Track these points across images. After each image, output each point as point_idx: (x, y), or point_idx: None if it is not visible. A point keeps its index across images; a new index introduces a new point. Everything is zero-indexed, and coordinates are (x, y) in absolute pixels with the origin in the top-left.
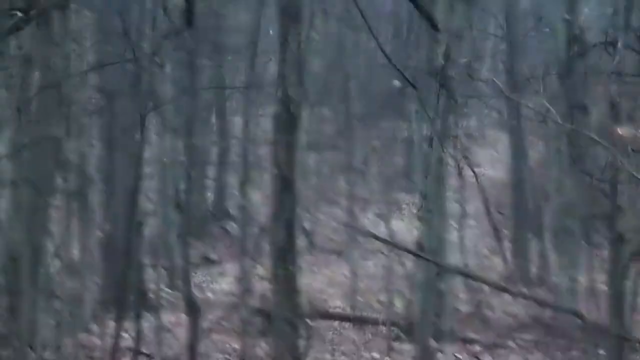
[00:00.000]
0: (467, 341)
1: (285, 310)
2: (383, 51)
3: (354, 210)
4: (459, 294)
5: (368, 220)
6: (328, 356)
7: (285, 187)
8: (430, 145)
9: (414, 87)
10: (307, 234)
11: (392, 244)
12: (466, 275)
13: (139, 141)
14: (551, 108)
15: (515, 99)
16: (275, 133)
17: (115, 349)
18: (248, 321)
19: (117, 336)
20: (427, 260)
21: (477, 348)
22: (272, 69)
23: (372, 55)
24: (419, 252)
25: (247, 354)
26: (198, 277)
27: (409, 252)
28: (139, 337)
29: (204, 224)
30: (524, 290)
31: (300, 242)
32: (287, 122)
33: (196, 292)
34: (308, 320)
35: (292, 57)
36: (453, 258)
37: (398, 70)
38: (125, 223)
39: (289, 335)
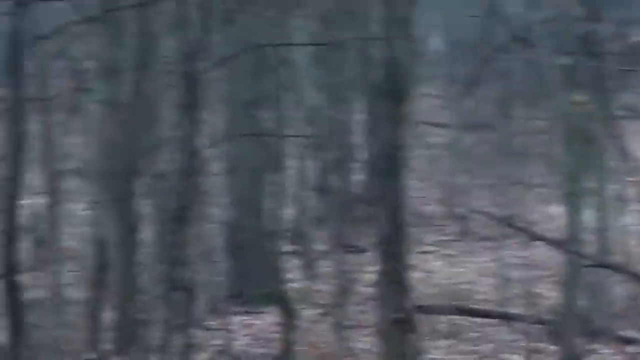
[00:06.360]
0: (624, 340)
1: (391, 306)
2: None
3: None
4: (615, 287)
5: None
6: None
7: (388, 170)
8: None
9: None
10: (459, 221)
11: (532, 234)
12: (618, 269)
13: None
14: None
15: None
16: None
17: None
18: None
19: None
20: (576, 253)
21: (637, 348)
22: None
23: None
24: (565, 243)
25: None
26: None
27: (546, 240)
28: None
29: (350, 208)
30: None
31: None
32: (392, 92)
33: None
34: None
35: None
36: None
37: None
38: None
39: (400, 334)
